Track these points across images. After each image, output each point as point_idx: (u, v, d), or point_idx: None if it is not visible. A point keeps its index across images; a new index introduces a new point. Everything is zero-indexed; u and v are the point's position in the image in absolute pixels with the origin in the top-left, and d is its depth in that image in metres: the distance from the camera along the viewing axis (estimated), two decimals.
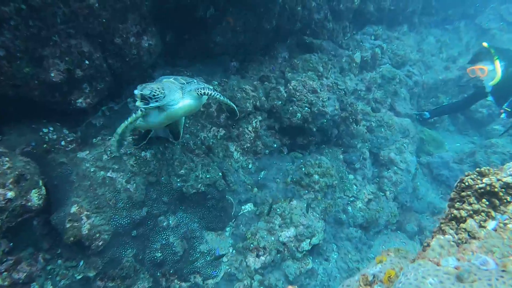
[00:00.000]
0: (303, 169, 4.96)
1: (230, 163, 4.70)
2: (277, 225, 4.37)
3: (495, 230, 1.50)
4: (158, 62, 4.99)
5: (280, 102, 5.15)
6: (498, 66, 5.02)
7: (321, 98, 5.21)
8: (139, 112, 3.13)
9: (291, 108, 5.14)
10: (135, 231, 3.53)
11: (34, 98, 3.30)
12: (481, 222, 1.51)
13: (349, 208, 5.39)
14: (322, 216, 4.85)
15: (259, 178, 5.06)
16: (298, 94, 5.16)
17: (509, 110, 5.11)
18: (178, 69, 5.00)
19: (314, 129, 5.28)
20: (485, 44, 5.14)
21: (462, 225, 1.52)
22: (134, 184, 3.58)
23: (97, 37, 3.44)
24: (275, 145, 5.26)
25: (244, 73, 5.50)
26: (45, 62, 3.13)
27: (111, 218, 3.33)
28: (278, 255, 4.28)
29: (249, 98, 4.81)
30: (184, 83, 3.32)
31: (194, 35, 4.95)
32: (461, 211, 1.57)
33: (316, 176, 4.91)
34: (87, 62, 3.42)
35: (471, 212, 1.56)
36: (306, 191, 4.85)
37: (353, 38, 7.07)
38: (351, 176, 5.80)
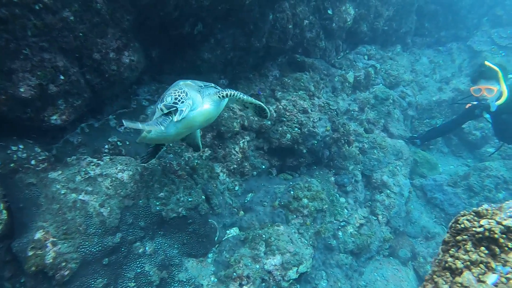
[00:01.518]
0: (292, 192, 4.75)
1: (215, 185, 4.47)
2: (262, 252, 4.13)
3: (496, 285, 1.30)
4: (144, 78, 4.82)
5: (269, 122, 4.97)
6: (504, 86, 4.93)
7: (311, 119, 5.05)
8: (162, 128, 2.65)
9: (280, 129, 4.97)
10: (107, 259, 3.27)
11: (3, 114, 3.09)
12: (480, 276, 1.31)
13: (340, 233, 5.17)
14: (311, 242, 4.61)
15: (246, 201, 4.83)
16: (288, 114, 5.00)
17: None
18: (164, 86, 4.82)
19: (304, 151, 5.10)
20: (487, 62, 5.05)
21: (457, 278, 1.31)
22: (108, 208, 3.34)
23: (74, 51, 3.26)
24: (263, 167, 5.07)
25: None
26: (14, 76, 2.93)
27: (80, 245, 3.07)
28: (263, 284, 4.01)
29: (236, 117, 4.63)
30: (202, 86, 3.01)
31: (181, 51, 4.81)
32: (456, 261, 1.37)
33: (305, 200, 4.69)
34: (62, 77, 3.22)
35: (468, 262, 1.35)
36: (295, 216, 4.62)
37: (346, 57, 6.97)
38: (342, 199, 5.59)
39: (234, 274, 3.94)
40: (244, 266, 3.99)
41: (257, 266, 4.03)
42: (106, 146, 4.04)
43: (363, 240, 5.24)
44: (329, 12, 5.93)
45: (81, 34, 3.16)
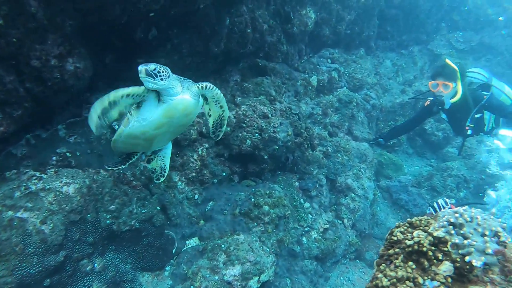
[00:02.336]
0: (252, 199, 4.65)
1: (173, 195, 4.32)
2: (222, 262, 4.00)
3: None
4: (98, 85, 4.62)
5: (228, 129, 4.86)
6: (460, 85, 5.03)
7: (272, 124, 4.98)
8: (143, 88, 2.68)
9: (240, 135, 4.87)
10: (48, 280, 3.06)
11: None
12: None
13: (304, 239, 5.11)
14: (273, 250, 4.53)
15: (207, 210, 4.70)
16: (247, 119, 4.91)
17: (473, 126, 5.10)
18: None
19: (266, 156, 5.01)
20: (448, 60, 5.15)
21: None
22: (51, 225, 3.14)
23: (8, 58, 3.05)
24: (224, 174, 4.95)
25: None
26: None
27: (16, 267, 2.86)
28: None
29: (193, 124, 4.50)
30: (181, 78, 2.95)
31: (136, 57, 4.64)
32: (383, 279, 1.30)
33: (266, 207, 4.61)
34: None
35: (394, 280, 1.29)
36: (256, 224, 4.53)
37: (310, 61, 6.97)
38: (307, 204, 5.54)
39: (192, 287, 3.80)
40: (202, 278, 3.86)
41: (216, 278, 3.90)
42: (54, 158, 3.83)
43: (327, 245, 5.20)
44: (290, 16, 5.90)
45: (14, 40, 2.95)
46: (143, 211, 3.78)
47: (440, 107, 5.32)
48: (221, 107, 3.28)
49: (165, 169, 3.59)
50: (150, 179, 4.14)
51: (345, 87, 7.16)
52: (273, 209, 4.67)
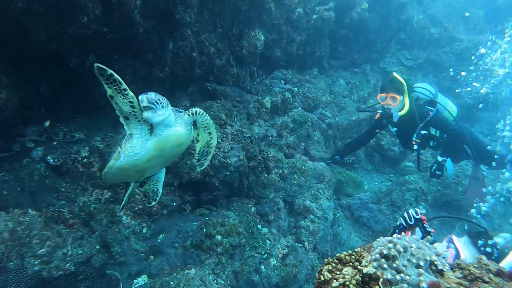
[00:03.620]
0: (204, 229, 4.41)
1: (117, 230, 4.00)
2: None
3: None
4: (34, 116, 4.30)
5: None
6: (407, 98, 5.11)
7: (222, 149, 4.81)
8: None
9: (189, 162, 4.66)
10: None
11: None
12: None
13: (262, 267, 4.88)
14: (228, 282, 4.27)
15: (157, 243, 4.39)
16: None
17: (419, 141, 5.16)
18: (54, 124, 4.33)
19: (217, 183, 4.81)
20: (395, 74, 5.24)
21: None
22: None
23: None
24: (174, 204, 4.69)
25: None
26: None
27: None
28: None
29: None
30: (173, 109, 2.92)
31: (76, 85, 4.37)
32: None
33: (219, 237, 4.37)
34: None
35: None
36: (208, 255, 4.27)
37: (262, 82, 6.92)
38: (265, 230, 5.34)
39: None
40: None
41: None
42: None
43: (288, 271, 5.00)
44: (238, 38, 5.85)
45: None
46: (79, 252, 3.45)
47: (388, 120, 5.40)
48: (209, 133, 3.30)
49: (157, 193, 3.56)
50: (91, 215, 3.82)
51: (299, 107, 7.15)
52: (226, 238, 4.44)
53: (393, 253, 1.50)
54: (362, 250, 1.58)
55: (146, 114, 2.61)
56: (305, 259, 5.47)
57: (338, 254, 1.48)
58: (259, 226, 5.34)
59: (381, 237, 1.69)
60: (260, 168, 5.50)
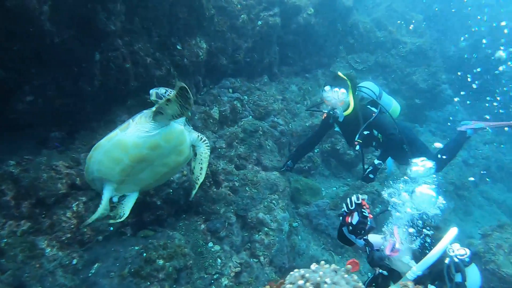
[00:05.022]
0: (144, 254, 4.03)
1: (38, 265, 3.54)
2: None
3: None
4: None
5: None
6: (351, 97, 5.05)
7: None
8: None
9: None
10: None
11: None
12: None
13: None
14: None
15: (90, 274, 3.95)
16: None
17: (361, 141, 5.11)
18: None
19: (159, 202, 4.48)
20: (339, 73, 5.18)
21: None
22: None
23: None
24: (111, 228, 4.28)
25: (69, 144, 4.54)
26: None
27: None
28: None
29: (61, 177, 3.82)
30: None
31: None
32: None
33: (161, 261, 4.02)
34: None
35: None
36: (149, 283, 3.89)
37: (209, 92, 6.65)
38: (216, 247, 5.03)
39: None
40: None
41: None
42: None
43: None
44: (178, 47, 5.56)
45: None
46: None
47: (334, 120, 5.32)
48: (201, 168, 3.75)
49: (122, 216, 3.65)
50: (1, 253, 3.34)
51: (250, 116, 6.93)
52: (169, 261, 4.08)
53: None
54: (275, 285, 1.34)
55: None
56: (261, 275, 5.20)
57: None
58: (210, 244, 5.03)
59: (295, 270, 1.48)
60: (208, 183, 5.21)
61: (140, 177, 3.46)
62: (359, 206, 2.88)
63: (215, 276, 4.67)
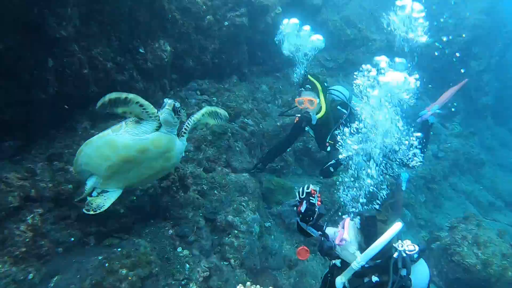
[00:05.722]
0: (106, 265, 3.94)
1: None
2: None
3: None
4: None
5: (70, 186, 4.14)
6: (323, 99, 5.07)
7: None
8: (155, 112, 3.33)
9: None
10: None
11: None
12: None
13: None
14: None
15: None
16: None
17: (332, 142, 5.14)
18: None
19: (122, 210, 4.38)
20: (310, 77, 5.21)
21: None
22: None
23: None
24: (72, 239, 4.17)
25: (25, 153, 4.39)
26: None
27: None
28: None
29: (12, 189, 3.69)
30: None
31: None
32: None
33: (124, 271, 3.94)
34: None
35: None
36: None
37: (177, 95, 6.57)
38: (185, 252, 4.98)
39: None
40: None
41: None
42: None
43: None
44: (141, 51, 5.46)
45: None
46: None
47: (307, 123, 5.33)
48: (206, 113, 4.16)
49: (100, 208, 3.75)
50: None
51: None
52: (133, 270, 4.01)
53: None
54: None
55: (165, 115, 3.31)
56: (231, 277, 5.17)
57: None
58: (179, 249, 4.97)
59: None
60: (174, 188, 5.15)
61: (126, 176, 3.70)
62: (308, 195, 2.98)
63: (183, 282, 4.62)
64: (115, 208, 4.37)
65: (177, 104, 3.32)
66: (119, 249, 4.19)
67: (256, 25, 8.09)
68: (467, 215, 7.10)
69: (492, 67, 14.13)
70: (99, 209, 3.73)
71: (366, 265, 2.53)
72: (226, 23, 7.05)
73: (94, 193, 3.82)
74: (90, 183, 3.72)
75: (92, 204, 3.72)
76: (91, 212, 3.70)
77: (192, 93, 6.71)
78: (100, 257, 4.13)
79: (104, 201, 3.78)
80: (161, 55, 5.70)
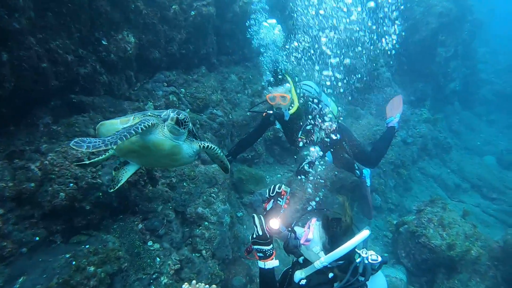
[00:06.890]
0: (73, 262, 3.90)
1: None
2: None
3: None
4: None
5: (32, 185, 4.04)
6: (295, 95, 5.08)
7: (89, 168, 4.31)
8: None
9: (50, 189, 4.08)
10: None
11: None
12: None
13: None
14: None
15: None
16: (57, 169, 4.15)
17: (304, 138, 5.20)
18: None
19: (88, 207, 4.31)
20: (281, 71, 5.18)
21: None
22: None
23: None
24: (37, 238, 4.08)
25: None
26: None
27: None
28: None
29: None
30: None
31: None
32: None
33: (91, 268, 3.91)
34: None
35: None
36: None
37: (143, 87, 6.45)
38: (156, 246, 4.99)
39: None
40: None
41: None
42: None
43: None
44: (104, 42, 5.31)
45: None
46: None
47: (278, 118, 5.34)
48: (217, 157, 4.17)
49: (118, 182, 3.99)
50: None
51: (187, 109, 6.83)
52: (101, 267, 3.99)
53: None
54: None
55: (170, 127, 3.41)
56: (204, 269, 5.25)
57: None
58: (150, 243, 4.97)
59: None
60: (142, 181, 5.11)
61: (137, 160, 3.94)
62: (278, 195, 3.10)
63: (153, 276, 4.64)
64: (81, 205, 4.31)
65: (181, 116, 3.36)
66: (87, 246, 4.15)
67: (224, 14, 8.01)
68: (433, 198, 7.43)
69: (459, 54, 14.60)
70: (117, 184, 3.97)
71: (329, 265, 2.63)
72: (192, 12, 6.93)
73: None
74: (111, 152, 3.87)
75: (115, 179, 4.00)
76: (112, 190, 3.99)
77: (159, 84, 6.60)
78: (67, 255, 4.08)
79: (122, 175, 4.00)
80: (125, 46, 5.56)
